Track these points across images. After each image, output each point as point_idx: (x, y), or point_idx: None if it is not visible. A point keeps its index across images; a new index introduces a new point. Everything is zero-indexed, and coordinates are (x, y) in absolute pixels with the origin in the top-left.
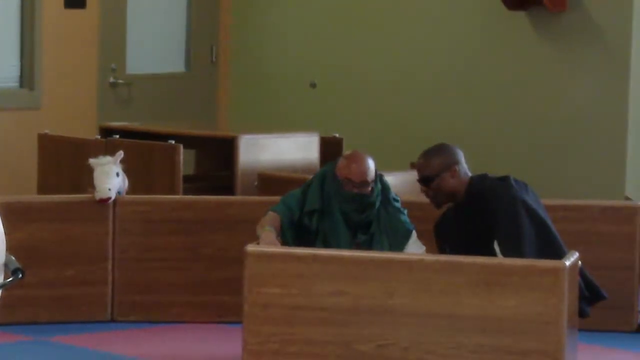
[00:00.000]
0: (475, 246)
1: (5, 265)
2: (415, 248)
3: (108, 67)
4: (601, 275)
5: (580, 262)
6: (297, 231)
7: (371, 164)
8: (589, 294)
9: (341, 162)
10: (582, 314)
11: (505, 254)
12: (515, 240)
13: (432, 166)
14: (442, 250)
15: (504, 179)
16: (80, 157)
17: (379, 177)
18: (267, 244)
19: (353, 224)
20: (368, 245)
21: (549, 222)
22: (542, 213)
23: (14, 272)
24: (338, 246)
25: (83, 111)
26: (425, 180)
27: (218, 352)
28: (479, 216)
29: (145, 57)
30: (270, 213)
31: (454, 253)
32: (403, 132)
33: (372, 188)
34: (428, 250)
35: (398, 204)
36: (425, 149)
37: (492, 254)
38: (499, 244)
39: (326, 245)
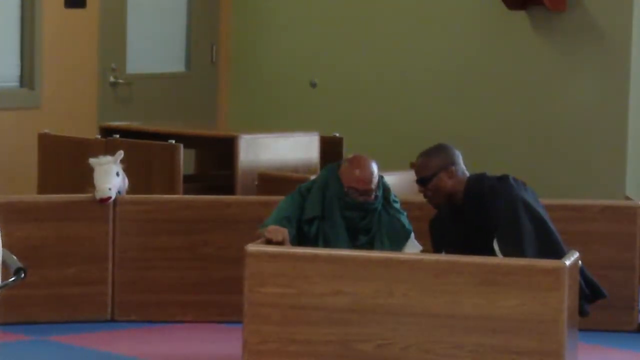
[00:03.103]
0: (475, 246)
1: (7, 264)
2: (412, 249)
3: (108, 67)
4: (601, 275)
5: (582, 265)
6: (296, 238)
7: (374, 169)
8: (589, 293)
9: (345, 167)
10: (582, 312)
11: (506, 253)
12: (515, 240)
13: (429, 167)
14: (437, 248)
15: (503, 178)
16: (80, 157)
17: (380, 180)
18: (274, 230)
19: (355, 229)
20: (369, 247)
21: (549, 220)
22: (542, 212)
23: (17, 271)
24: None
25: (83, 111)
26: (422, 181)
27: (218, 352)
28: (479, 216)
29: (145, 57)
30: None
31: (453, 253)
32: (403, 132)
33: (376, 195)
34: (425, 247)
35: (398, 205)
36: (423, 149)
37: (493, 253)
38: (499, 243)
39: (327, 248)
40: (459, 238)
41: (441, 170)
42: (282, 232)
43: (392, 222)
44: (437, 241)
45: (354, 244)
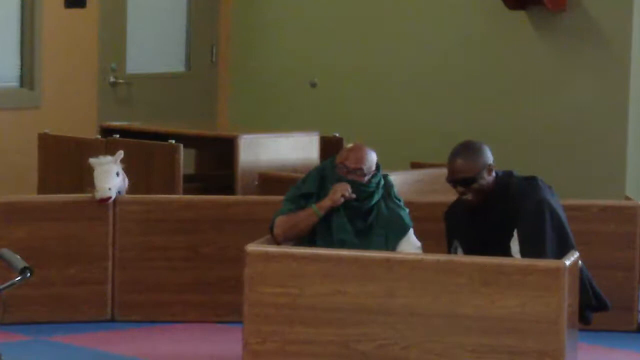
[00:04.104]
0: (491, 243)
1: (12, 264)
2: (411, 244)
3: (108, 67)
4: (601, 275)
5: (590, 275)
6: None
7: (371, 155)
8: (596, 303)
9: (342, 151)
10: (585, 321)
11: (525, 254)
12: (537, 243)
13: (473, 167)
14: (449, 238)
15: (532, 179)
16: (80, 157)
17: (382, 175)
18: (335, 190)
19: (350, 210)
20: (366, 234)
21: (568, 227)
22: (564, 218)
23: (22, 271)
24: (337, 232)
25: (83, 111)
26: (466, 182)
27: (218, 352)
28: (501, 213)
29: (145, 57)
30: (280, 217)
31: (467, 247)
32: (403, 132)
33: (369, 180)
34: (426, 248)
35: (400, 202)
36: (455, 148)
37: (507, 251)
38: (521, 244)
39: (325, 230)
40: (475, 234)
41: (484, 168)
42: (343, 185)
43: (391, 215)
44: (451, 232)
45: (351, 227)
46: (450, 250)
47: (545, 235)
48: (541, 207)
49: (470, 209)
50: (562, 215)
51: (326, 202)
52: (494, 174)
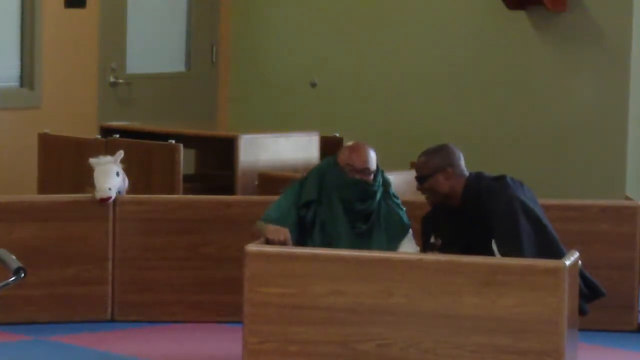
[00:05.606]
0: (474, 246)
1: (7, 264)
2: (410, 245)
3: (108, 67)
4: (601, 275)
5: (580, 265)
6: (296, 225)
7: (373, 153)
8: (588, 292)
9: (343, 151)
10: (581, 312)
11: (504, 253)
12: (513, 240)
13: (427, 166)
14: (426, 244)
15: (500, 178)
16: (81, 157)
17: (380, 172)
18: (274, 230)
19: (353, 213)
20: (367, 236)
21: (546, 220)
22: (539, 211)
23: (16, 271)
24: (337, 236)
25: (83, 111)
26: (419, 180)
27: (218, 352)
28: (476, 216)
29: (145, 57)
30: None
31: (452, 252)
32: (403, 132)
33: (374, 177)
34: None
35: (398, 201)
36: (425, 148)
37: (491, 253)
38: (497, 244)
39: (325, 235)
40: (458, 239)
41: (438, 171)
42: (284, 232)
43: (391, 215)
44: (427, 238)
45: (352, 231)
46: (426, 249)
47: (520, 231)
48: (511, 204)
49: (447, 215)
50: (538, 209)
51: (265, 233)
52: (458, 178)
